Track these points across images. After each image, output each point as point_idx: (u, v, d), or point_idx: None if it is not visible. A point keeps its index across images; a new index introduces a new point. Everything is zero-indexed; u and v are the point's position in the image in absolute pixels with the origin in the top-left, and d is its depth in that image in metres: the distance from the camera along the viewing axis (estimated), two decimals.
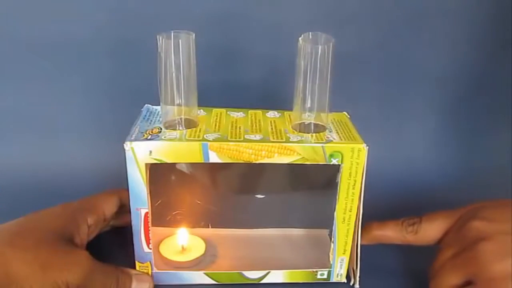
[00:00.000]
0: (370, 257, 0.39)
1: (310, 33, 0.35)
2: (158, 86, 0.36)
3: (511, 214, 0.36)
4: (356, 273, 0.40)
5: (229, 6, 0.51)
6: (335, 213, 0.38)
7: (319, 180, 0.41)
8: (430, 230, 0.38)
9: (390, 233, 0.39)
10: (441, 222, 0.38)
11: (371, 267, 0.40)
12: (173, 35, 0.34)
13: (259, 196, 0.45)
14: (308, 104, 0.37)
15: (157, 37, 0.34)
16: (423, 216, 0.39)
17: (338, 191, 0.37)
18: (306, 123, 0.38)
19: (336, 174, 0.37)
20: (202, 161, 0.35)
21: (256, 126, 0.38)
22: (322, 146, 0.35)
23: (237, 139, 0.35)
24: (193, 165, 0.42)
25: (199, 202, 0.45)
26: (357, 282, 0.40)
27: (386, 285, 0.40)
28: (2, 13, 0.50)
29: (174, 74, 0.35)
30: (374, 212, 0.39)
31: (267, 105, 0.42)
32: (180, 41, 0.35)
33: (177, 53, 0.35)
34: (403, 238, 0.39)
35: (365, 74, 0.56)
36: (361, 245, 0.39)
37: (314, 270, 0.40)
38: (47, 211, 0.38)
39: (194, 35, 0.35)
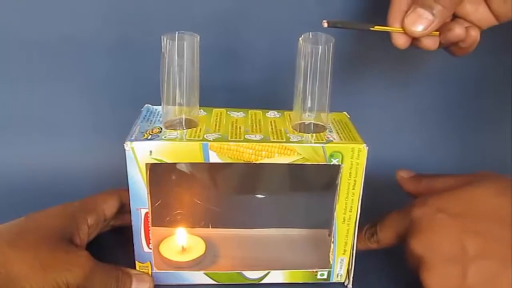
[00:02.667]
0: (364, 258, 0.39)
1: (310, 33, 0.35)
2: (158, 86, 0.36)
3: (451, 231, 0.34)
4: (350, 273, 0.40)
5: (229, 6, 0.51)
6: (335, 213, 0.38)
7: (319, 180, 0.41)
8: (388, 237, 0.38)
9: (359, 244, 0.39)
10: (394, 227, 0.38)
11: (366, 267, 0.40)
12: (178, 36, 0.34)
13: (259, 196, 0.45)
14: (308, 104, 0.37)
15: (162, 37, 0.34)
16: (378, 224, 0.39)
17: (338, 191, 0.37)
18: (306, 123, 0.38)
19: (336, 174, 0.37)
20: (203, 161, 0.35)
21: (256, 126, 0.38)
22: (322, 146, 0.35)
23: (238, 139, 0.35)
24: (193, 165, 0.42)
25: (199, 202, 0.45)
26: (350, 282, 0.40)
27: (380, 285, 0.40)
28: (2, 13, 0.50)
29: (177, 76, 0.35)
30: (373, 212, 0.39)
31: (267, 105, 0.42)
32: (184, 42, 0.35)
33: (181, 54, 0.35)
34: (368, 247, 0.39)
35: (365, 74, 0.56)
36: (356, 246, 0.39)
37: (314, 270, 0.40)
38: (47, 211, 0.38)
39: (199, 37, 0.35)
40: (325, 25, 0.35)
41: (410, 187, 0.40)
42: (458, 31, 0.38)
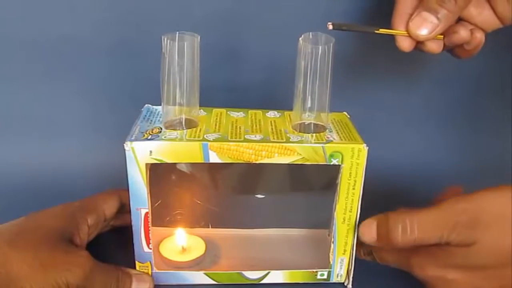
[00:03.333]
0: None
1: (311, 33, 0.35)
2: (158, 86, 0.36)
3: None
4: (350, 273, 0.40)
5: (229, 6, 0.51)
6: (335, 213, 0.38)
7: (319, 180, 0.41)
8: (389, 263, 0.38)
9: (358, 256, 0.40)
10: (391, 262, 0.38)
11: (366, 267, 0.40)
12: (178, 36, 0.34)
13: (259, 196, 0.45)
14: (308, 104, 0.37)
15: (162, 38, 0.34)
16: (374, 254, 0.39)
17: (338, 191, 0.37)
18: (306, 123, 0.38)
19: (336, 174, 0.37)
20: (203, 161, 0.35)
21: (256, 126, 0.38)
22: (323, 146, 0.35)
23: (238, 139, 0.35)
24: (193, 165, 0.42)
25: (199, 202, 0.45)
26: (350, 282, 0.40)
27: (380, 285, 0.40)
28: (2, 13, 0.50)
29: (177, 76, 0.35)
30: (373, 213, 0.39)
31: (267, 105, 0.42)
32: (185, 43, 0.35)
33: (181, 54, 0.35)
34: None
35: (365, 75, 0.56)
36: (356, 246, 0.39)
37: (314, 270, 0.40)
38: (47, 211, 0.38)
39: (199, 37, 0.35)
40: (330, 27, 0.35)
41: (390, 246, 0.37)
42: (463, 33, 0.38)
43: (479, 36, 0.39)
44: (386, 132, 0.58)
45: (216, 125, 0.38)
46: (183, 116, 0.37)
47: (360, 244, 0.38)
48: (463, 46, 0.39)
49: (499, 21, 0.40)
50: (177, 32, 0.34)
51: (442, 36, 0.39)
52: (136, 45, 0.51)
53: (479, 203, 0.33)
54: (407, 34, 0.38)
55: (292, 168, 0.39)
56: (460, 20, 0.40)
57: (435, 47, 0.39)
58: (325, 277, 0.40)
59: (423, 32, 0.37)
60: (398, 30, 0.38)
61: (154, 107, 0.41)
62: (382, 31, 0.38)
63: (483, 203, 0.33)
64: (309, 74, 0.36)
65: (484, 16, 0.39)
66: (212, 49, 0.48)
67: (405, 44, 0.39)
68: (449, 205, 0.33)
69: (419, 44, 0.39)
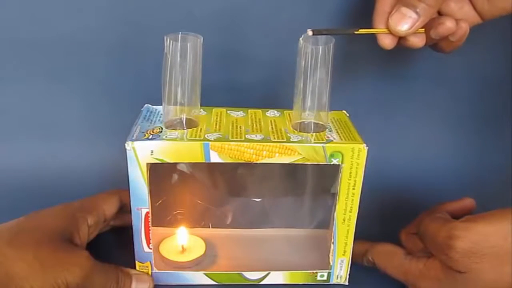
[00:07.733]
0: None
1: None
2: (158, 86, 0.36)
3: None
4: (347, 270, 0.40)
5: (229, 5, 0.51)
6: (335, 214, 0.38)
7: (319, 180, 0.41)
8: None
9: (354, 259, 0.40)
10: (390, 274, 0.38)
11: (366, 267, 0.40)
12: (181, 37, 0.34)
13: (259, 196, 0.45)
14: (308, 104, 0.37)
15: (165, 38, 0.34)
16: (375, 263, 0.39)
17: (338, 191, 0.37)
18: (306, 122, 0.38)
19: (336, 174, 0.37)
20: (203, 161, 0.35)
21: (256, 125, 0.38)
22: (323, 146, 0.35)
23: (239, 139, 0.35)
24: (193, 165, 0.42)
25: (199, 202, 0.45)
26: (346, 279, 0.40)
27: (376, 281, 0.40)
28: (2, 13, 0.50)
29: (179, 76, 0.35)
30: (373, 213, 0.39)
31: (267, 105, 0.42)
32: (188, 44, 0.34)
33: (184, 55, 0.35)
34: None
35: (365, 74, 0.56)
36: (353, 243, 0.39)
37: (314, 271, 0.40)
38: (47, 211, 0.38)
39: (202, 38, 0.35)
40: (310, 33, 0.35)
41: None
42: (449, 24, 0.38)
43: (465, 26, 0.39)
44: (386, 132, 0.58)
45: (216, 124, 0.38)
46: (184, 116, 0.37)
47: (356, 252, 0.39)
48: (448, 38, 0.39)
49: (479, 17, 0.40)
50: (180, 33, 0.34)
51: (423, 30, 0.39)
52: (136, 45, 0.51)
53: (477, 235, 0.33)
54: (387, 32, 0.38)
55: (292, 168, 0.39)
56: (441, 16, 0.40)
57: (417, 41, 0.39)
58: (325, 278, 0.40)
59: (403, 27, 0.37)
60: (379, 28, 0.39)
61: (154, 107, 0.41)
62: (362, 31, 0.38)
63: (481, 235, 0.33)
64: (309, 74, 0.36)
65: (464, 12, 0.40)
66: (212, 49, 0.48)
67: (386, 42, 0.39)
68: (450, 226, 0.34)
69: (401, 40, 0.39)
